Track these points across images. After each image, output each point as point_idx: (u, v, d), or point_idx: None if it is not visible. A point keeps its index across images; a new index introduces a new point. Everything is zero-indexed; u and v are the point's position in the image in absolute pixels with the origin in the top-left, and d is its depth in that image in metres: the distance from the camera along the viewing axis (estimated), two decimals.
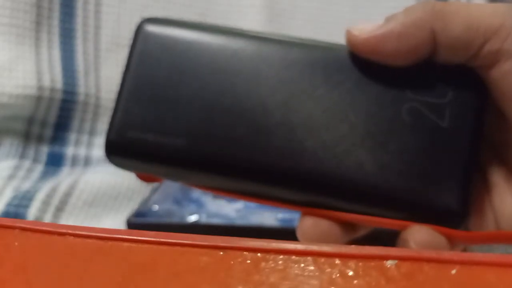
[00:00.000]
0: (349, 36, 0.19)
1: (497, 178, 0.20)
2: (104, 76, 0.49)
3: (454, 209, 0.19)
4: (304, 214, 0.20)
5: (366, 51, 0.19)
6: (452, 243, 0.19)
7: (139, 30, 0.21)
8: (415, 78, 0.19)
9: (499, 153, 0.20)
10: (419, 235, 0.18)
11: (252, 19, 0.50)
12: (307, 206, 0.20)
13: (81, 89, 0.47)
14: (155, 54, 0.20)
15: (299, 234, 0.20)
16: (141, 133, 0.20)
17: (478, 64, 0.19)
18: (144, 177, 0.22)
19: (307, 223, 0.20)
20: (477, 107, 0.19)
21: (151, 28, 0.21)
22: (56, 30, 0.48)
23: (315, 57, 0.20)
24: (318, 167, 0.19)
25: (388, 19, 0.19)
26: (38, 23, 0.47)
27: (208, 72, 0.20)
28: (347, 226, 0.20)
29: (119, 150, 0.20)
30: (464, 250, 0.27)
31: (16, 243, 0.15)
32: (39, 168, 0.46)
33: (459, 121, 0.19)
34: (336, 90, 0.20)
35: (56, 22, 0.48)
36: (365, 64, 0.19)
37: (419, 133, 0.19)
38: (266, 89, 0.20)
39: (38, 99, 0.45)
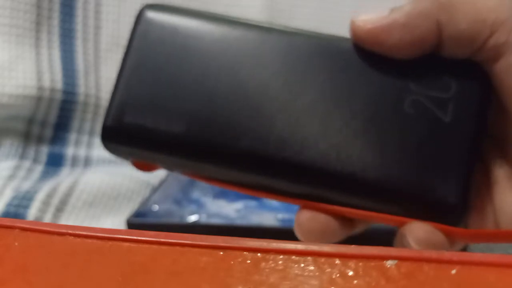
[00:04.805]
0: (353, 26, 0.19)
1: (499, 174, 0.20)
2: (104, 76, 0.49)
3: (454, 205, 0.19)
4: (302, 207, 0.20)
5: (370, 42, 0.19)
6: (451, 240, 0.19)
7: (140, 16, 0.21)
8: (419, 71, 0.19)
9: (502, 149, 0.20)
10: (418, 232, 0.18)
11: None
12: (306, 199, 0.20)
13: (81, 89, 0.47)
14: (156, 40, 0.20)
15: (296, 228, 0.20)
16: (139, 118, 0.20)
17: (483, 58, 0.19)
18: (141, 165, 0.21)
19: (304, 216, 0.20)
20: (481, 103, 0.19)
21: (152, 14, 0.21)
22: (56, 30, 0.48)
23: (318, 47, 0.20)
24: (318, 157, 0.19)
25: (393, 10, 0.19)
26: (38, 23, 0.47)
27: (208, 59, 0.20)
28: (345, 221, 0.20)
29: (116, 136, 0.20)
30: (464, 249, 0.27)
31: (16, 243, 0.15)
32: (39, 168, 0.46)
33: (462, 116, 0.19)
34: (338, 81, 0.19)
35: (56, 22, 0.48)
36: (369, 56, 0.19)
37: (421, 126, 0.19)
38: (267, 78, 0.20)
39: (38, 99, 0.45)
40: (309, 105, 0.19)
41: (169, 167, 0.21)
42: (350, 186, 0.19)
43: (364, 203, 0.19)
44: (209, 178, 0.21)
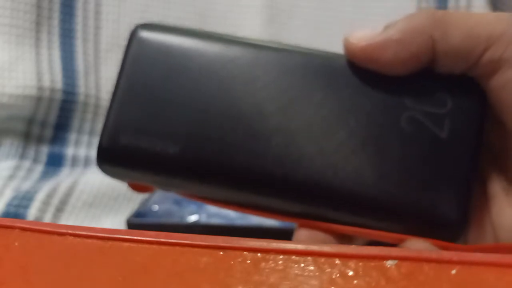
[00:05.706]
0: (347, 44, 0.19)
1: (496, 188, 0.20)
2: (104, 76, 0.49)
3: (453, 221, 0.18)
4: (300, 226, 0.20)
5: (364, 60, 0.19)
6: None
7: (133, 35, 0.21)
8: (414, 87, 0.19)
9: (499, 163, 0.20)
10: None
11: (251, 19, 0.50)
12: (303, 218, 0.20)
13: (81, 89, 0.47)
14: (149, 60, 0.20)
15: None
16: (135, 140, 0.19)
17: (478, 73, 0.18)
18: (136, 187, 0.21)
19: (302, 236, 0.20)
20: (477, 118, 0.19)
21: (145, 34, 0.20)
22: (56, 31, 0.48)
23: (312, 65, 0.20)
24: (315, 176, 0.19)
25: (387, 27, 0.18)
26: (38, 24, 0.47)
27: (203, 79, 0.20)
28: (343, 239, 0.20)
29: (112, 158, 0.20)
30: None
31: (16, 243, 0.15)
32: (39, 168, 0.46)
33: (458, 131, 0.19)
34: (334, 98, 0.19)
35: (56, 22, 0.48)
36: (363, 73, 0.19)
37: (418, 143, 0.19)
38: (262, 97, 0.19)
39: (38, 99, 0.45)
40: (304, 123, 0.19)
41: (165, 188, 0.21)
42: (348, 204, 0.19)
43: (362, 221, 0.19)
44: (206, 198, 0.20)
